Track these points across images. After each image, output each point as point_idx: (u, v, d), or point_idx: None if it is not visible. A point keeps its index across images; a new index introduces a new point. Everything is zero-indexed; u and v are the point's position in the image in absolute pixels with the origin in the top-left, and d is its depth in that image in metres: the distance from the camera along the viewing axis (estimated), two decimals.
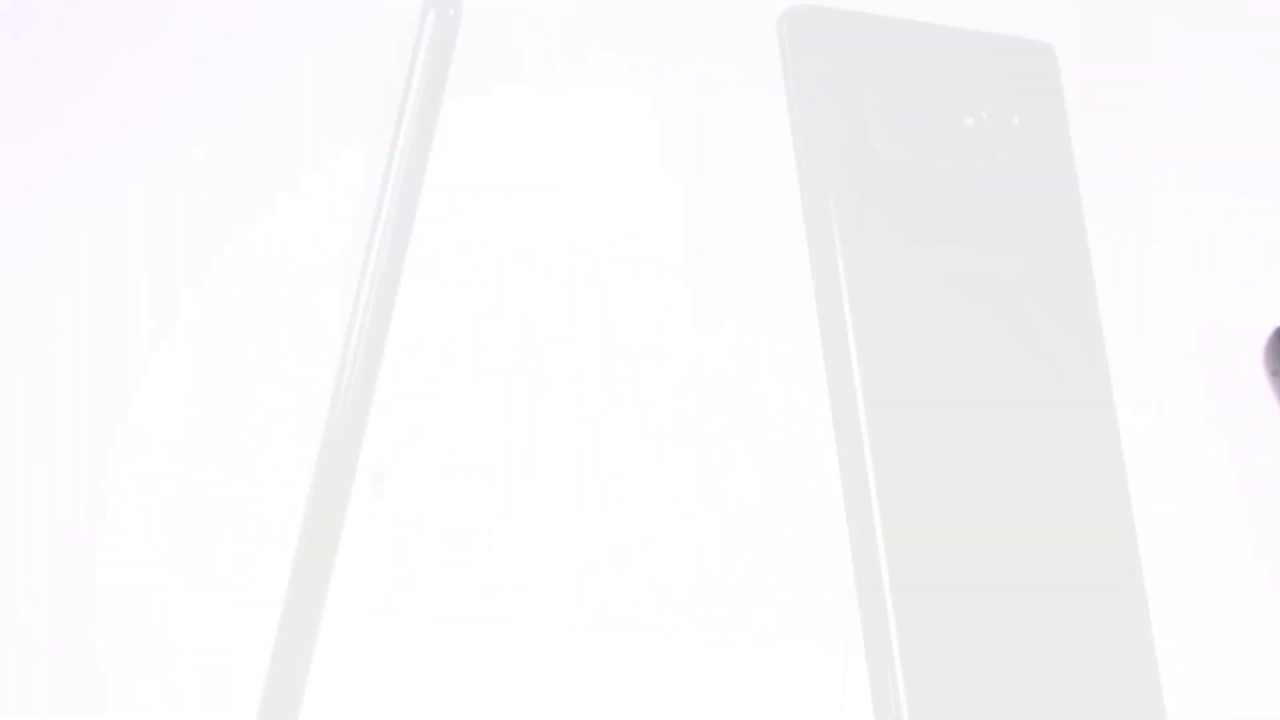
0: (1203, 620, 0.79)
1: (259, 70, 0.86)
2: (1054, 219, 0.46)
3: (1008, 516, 0.43)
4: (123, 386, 0.84)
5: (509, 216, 0.88)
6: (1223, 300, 0.84)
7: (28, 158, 0.85)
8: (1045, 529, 0.44)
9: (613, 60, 0.92)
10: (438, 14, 0.46)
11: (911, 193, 0.45)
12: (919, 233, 0.44)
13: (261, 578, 0.59)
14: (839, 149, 0.44)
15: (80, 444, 0.83)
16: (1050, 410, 0.45)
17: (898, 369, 0.43)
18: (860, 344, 0.43)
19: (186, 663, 0.76)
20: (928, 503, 0.42)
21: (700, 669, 0.83)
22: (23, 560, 0.82)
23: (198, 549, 0.81)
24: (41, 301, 0.84)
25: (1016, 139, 0.46)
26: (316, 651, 0.46)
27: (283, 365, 0.54)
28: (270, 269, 0.83)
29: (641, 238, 0.94)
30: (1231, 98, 0.85)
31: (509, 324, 0.90)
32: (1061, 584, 0.43)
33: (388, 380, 0.47)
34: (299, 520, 0.46)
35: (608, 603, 0.88)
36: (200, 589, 0.79)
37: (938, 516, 0.42)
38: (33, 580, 0.81)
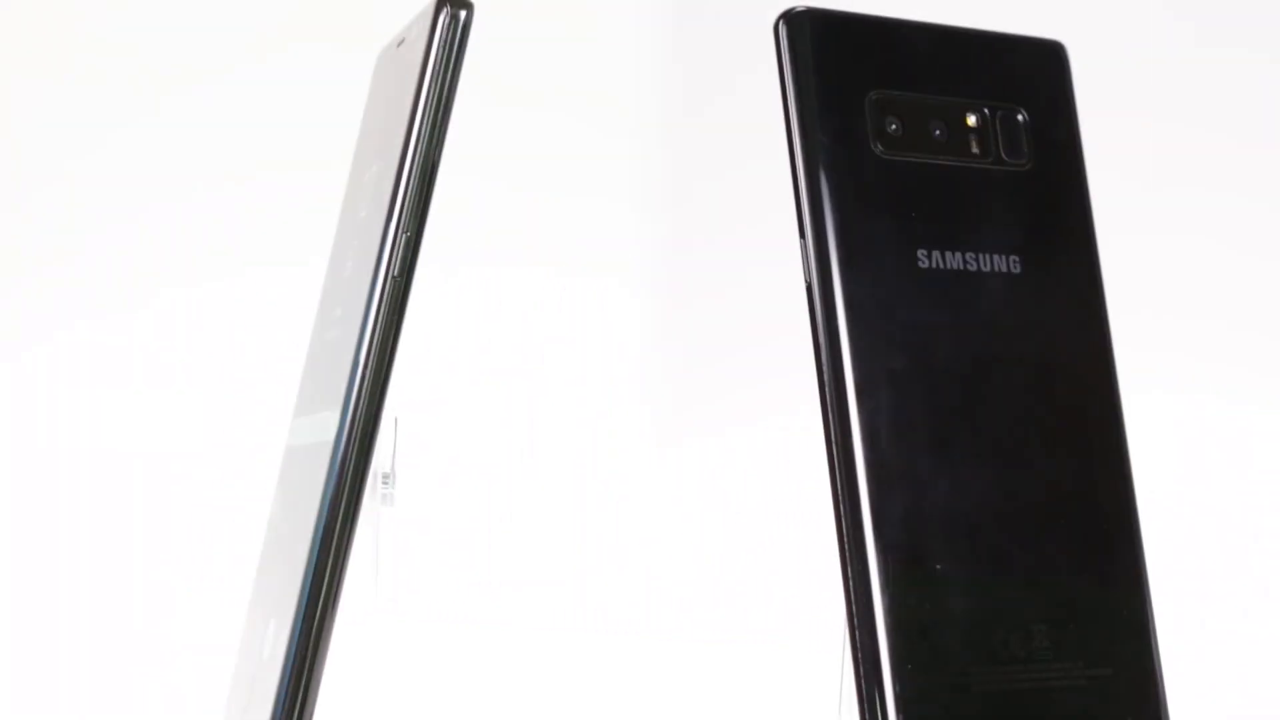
0: (1203, 620, 0.79)
1: (268, 71, 0.86)
2: (1060, 216, 0.46)
3: (1009, 516, 0.43)
4: (126, 387, 0.84)
5: (513, 218, 0.88)
6: (1227, 300, 0.84)
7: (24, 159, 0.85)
8: (1047, 528, 0.43)
9: (615, 62, 0.92)
10: (450, 15, 0.46)
11: (912, 193, 0.44)
12: (919, 233, 0.44)
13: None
14: (836, 151, 0.44)
15: (80, 446, 0.83)
16: (1055, 408, 0.44)
17: (897, 369, 0.43)
18: (855, 345, 0.42)
19: (186, 663, 0.76)
20: (924, 501, 0.42)
21: (700, 669, 0.83)
22: (23, 561, 0.82)
23: (198, 550, 0.81)
24: (38, 304, 0.84)
25: (1021, 137, 0.46)
26: (329, 653, 0.46)
27: (290, 367, 0.54)
28: (275, 271, 0.83)
29: (641, 240, 0.94)
30: (1238, 96, 0.85)
31: (509, 325, 0.90)
32: (1064, 582, 0.43)
33: (396, 383, 0.46)
34: (311, 523, 0.46)
35: (608, 603, 0.88)
36: (201, 590, 0.79)
37: (935, 515, 0.42)
38: (33, 581, 0.81)
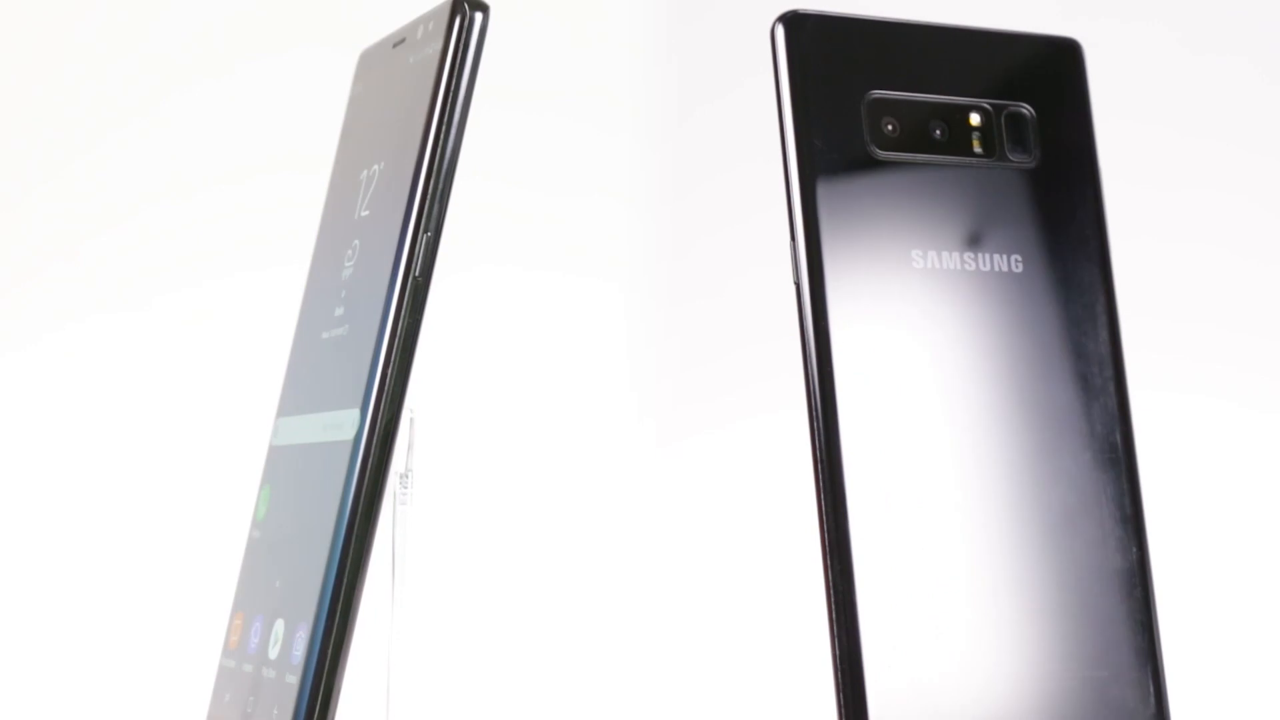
0: (1203, 620, 0.79)
1: (267, 71, 0.86)
2: (1067, 214, 0.46)
3: (1003, 517, 0.43)
4: (124, 387, 0.84)
5: (513, 218, 0.88)
6: (1228, 300, 0.84)
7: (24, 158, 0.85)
8: (1043, 529, 0.43)
9: (615, 62, 0.92)
10: (468, 17, 0.46)
11: (908, 193, 0.44)
12: (914, 233, 0.44)
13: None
14: (829, 153, 0.44)
15: (78, 445, 0.83)
16: (1054, 409, 0.44)
17: (884, 371, 0.43)
18: (840, 348, 0.42)
19: (186, 663, 0.76)
20: (915, 503, 0.42)
21: (700, 669, 0.83)
22: (21, 560, 0.82)
23: (197, 549, 0.81)
24: (37, 304, 0.84)
25: (1027, 135, 0.46)
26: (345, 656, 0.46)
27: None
28: (275, 272, 0.83)
29: (640, 241, 0.94)
30: (1240, 98, 0.85)
31: (508, 325, 0.90)
32: (1064, 583, 0.43)
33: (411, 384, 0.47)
34: (330, 523, 0.46)
35: (608, 603, 0.88)
36: (201, 589, 0.79)
37: (926, 516, 0.42)
38: (32, 580, 0.81)
